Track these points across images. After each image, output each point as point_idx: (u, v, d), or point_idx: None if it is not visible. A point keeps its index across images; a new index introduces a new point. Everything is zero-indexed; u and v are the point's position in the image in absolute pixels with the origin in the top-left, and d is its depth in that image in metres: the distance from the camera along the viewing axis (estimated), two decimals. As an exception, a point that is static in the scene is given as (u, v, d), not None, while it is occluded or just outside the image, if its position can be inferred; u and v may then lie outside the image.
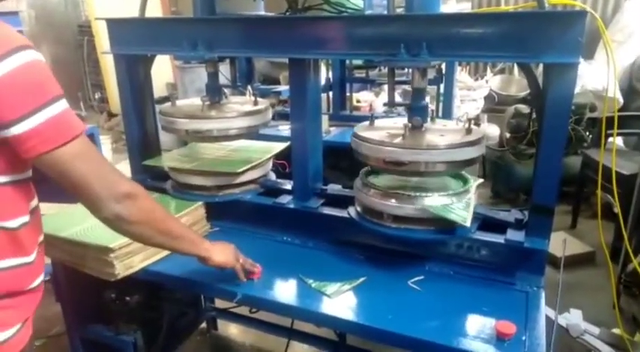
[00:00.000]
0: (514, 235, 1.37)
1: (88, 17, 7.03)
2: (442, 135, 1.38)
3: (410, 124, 1.39)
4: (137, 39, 1.74)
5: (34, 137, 0.88)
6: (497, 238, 1.37)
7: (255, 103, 1.79)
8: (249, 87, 1.94)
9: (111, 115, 7.01)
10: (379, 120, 1.55)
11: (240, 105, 1.78)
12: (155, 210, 1.11)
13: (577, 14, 1.11)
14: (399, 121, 1.50)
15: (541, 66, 1.31)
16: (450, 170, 1.38)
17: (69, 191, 0.97)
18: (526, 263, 1.33)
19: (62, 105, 0.91)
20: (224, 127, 1.68)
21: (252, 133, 1.79)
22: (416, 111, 1.42)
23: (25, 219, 0.97)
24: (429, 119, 1.46)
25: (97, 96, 7.44)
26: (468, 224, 1.30)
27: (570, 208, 3.81)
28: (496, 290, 1.33)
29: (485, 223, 1.46)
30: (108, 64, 6.50)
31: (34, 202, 1.03)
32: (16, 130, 0.86)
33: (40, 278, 1.06)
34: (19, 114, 0.86)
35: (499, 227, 1.44)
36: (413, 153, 1.30)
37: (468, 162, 1.34)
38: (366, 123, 1.53)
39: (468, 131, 1.38)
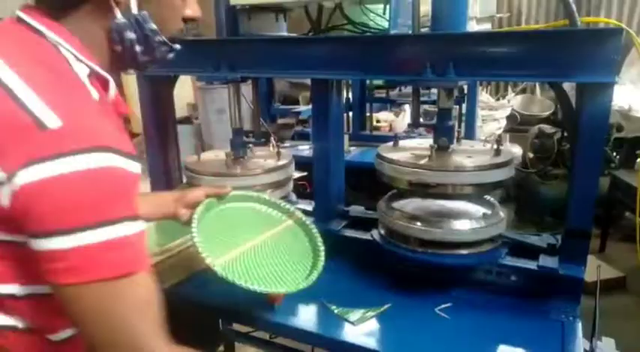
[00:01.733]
0: (547, 261, 1.30)
1: (113, 40, 7.22)
2: (469, 157, 1.33)
3: (436, 145, 1.35)
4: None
5: (59, 261, 0.67)
6: (529, 264, 1.31)
7: (279, 156, 1.76)
8: (271, 138, 1.93)
9: (132, 135, 7.13)
10: (403, 141, 1.52)
11: (263, 161, 1.75)
12: None
13: (613, 32, 1.07)
14: (423, 142, 1.46)
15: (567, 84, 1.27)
16: (479, 193, 1.34)
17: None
18: (561, 291, 1.26)
19: (120, 230, 0.69)
20: (248, 185, 1.63)
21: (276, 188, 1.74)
22: (442, 131, 1.38)
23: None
24: (454, 140, 1.42)
25: (119, 116, 7.59)
26: None
27: (598, 231, 3.69)
28: (529, 319, 1.26)
29: (514, 248, 1.40)
30: (130, 86, 6.63)
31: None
32: (42, 245, 0.67)
33: None
34: (52, 227, 0.66)
35: (529, 252, 1.38)
36: (440, 175, 1.26)
37: (497, 185, 1.30)
38: (390, 143, 1.50)
39: (497, 152, 1.34)
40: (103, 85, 0.83)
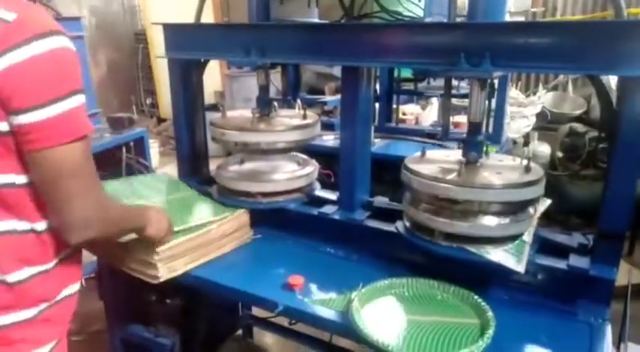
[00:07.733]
0: (578, 261, 1.26)
1: (144, 26, 7.32)
2: (498, 173, 1.32)
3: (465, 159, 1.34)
4: (192, 44, 1.76)
5: (39, 131, 0.84)
6: (559, 263, 1.28)
7: (304, 117, 1.77)
8: (298, 100, 1.92)
9: (160, 120, 7.23)
10: (430, 151, 1.50)
11: (289, 119, 1.76)
12: (115, 222, 1.08)
13: (661, 24, 1.02)
14: (450, 154, 1.45)
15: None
16: (507, 210, 1.30)
17: (41, 190, 0.91)
18: (590, 292, 1.23)
19: (75, 101, 0.87)
20: (272, 141, 1.67)
21: (300, 146, 1.78)
22: (471, 146, 1.37)
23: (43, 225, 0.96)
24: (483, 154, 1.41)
25: (148, 102, 7.71)
26: (521, 270, 1.22)
27: (627, 234, 3.58)
28: (555, 319, 1.23)
29: (541, 246, 1.37)
30: (160, 71, 6.72)
31: None
32: (22, 120, 0.83)
33: (65, 291, 1.04)
34: (29, 104, 0.83)
35: (557, 251, 1.34)
36: (468, 192, 1.25)
37: (527, 203, 1.29)
38: (418, 154, 1.48)
39: (527, 169, 1.32)
40: None
